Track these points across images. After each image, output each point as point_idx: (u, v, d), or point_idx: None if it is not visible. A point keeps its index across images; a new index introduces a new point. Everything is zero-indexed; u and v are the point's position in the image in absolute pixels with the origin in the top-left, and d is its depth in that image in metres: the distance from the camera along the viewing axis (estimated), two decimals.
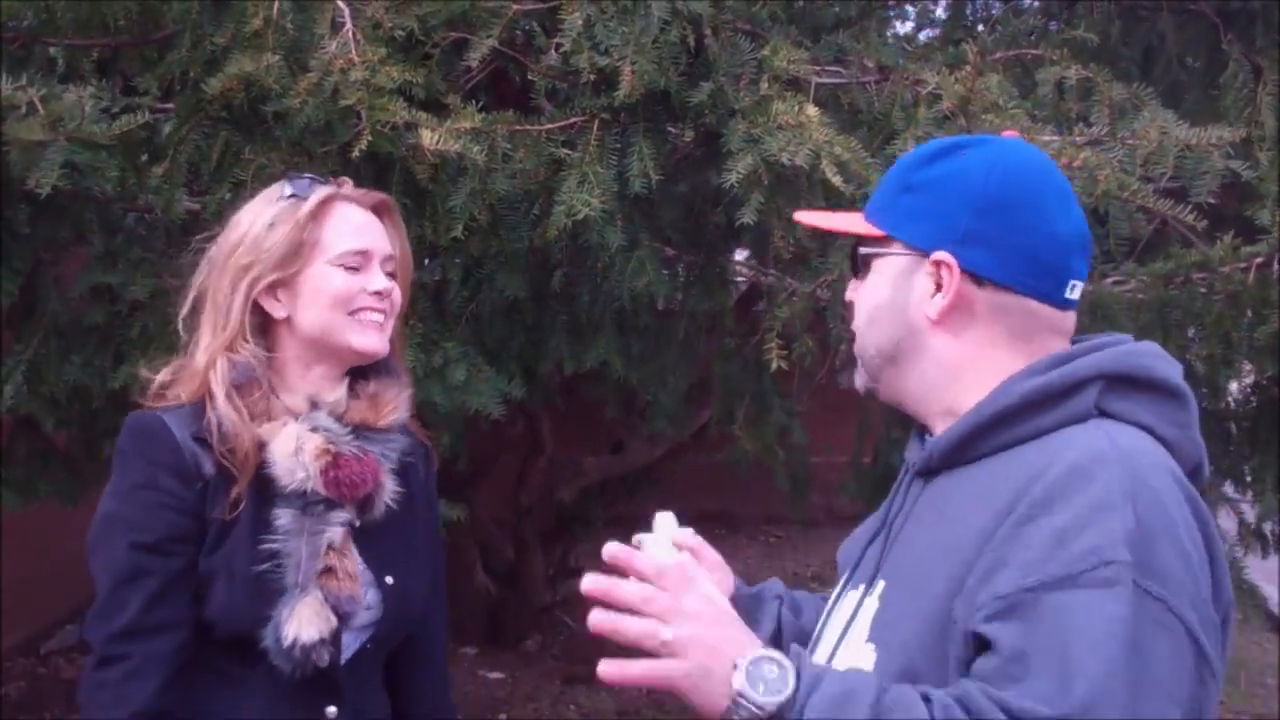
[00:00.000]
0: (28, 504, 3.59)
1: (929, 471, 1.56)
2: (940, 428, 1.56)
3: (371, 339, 2.08)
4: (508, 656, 6.45)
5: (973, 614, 1.33)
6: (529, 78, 3.14)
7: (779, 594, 1.93)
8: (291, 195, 2.08)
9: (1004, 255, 1.50)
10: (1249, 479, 4.53)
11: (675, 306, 4.06)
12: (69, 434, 3.57)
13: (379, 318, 2.09)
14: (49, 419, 3.29)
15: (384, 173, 2.97)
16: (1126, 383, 1.45)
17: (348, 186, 2.14)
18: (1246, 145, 3.04)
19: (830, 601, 1.73)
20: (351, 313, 2.06)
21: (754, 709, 1.31)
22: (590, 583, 1.40)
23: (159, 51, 3.26)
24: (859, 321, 1.63)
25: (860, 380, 1.67)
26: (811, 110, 2.82)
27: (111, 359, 3.11)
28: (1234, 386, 4.47)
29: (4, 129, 2.62)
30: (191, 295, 2.12)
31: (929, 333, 1.54)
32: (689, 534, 1.83)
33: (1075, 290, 1.53)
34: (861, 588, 1.58)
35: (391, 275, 2.13)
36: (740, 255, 4.62)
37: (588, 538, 6.73)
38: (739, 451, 4.27)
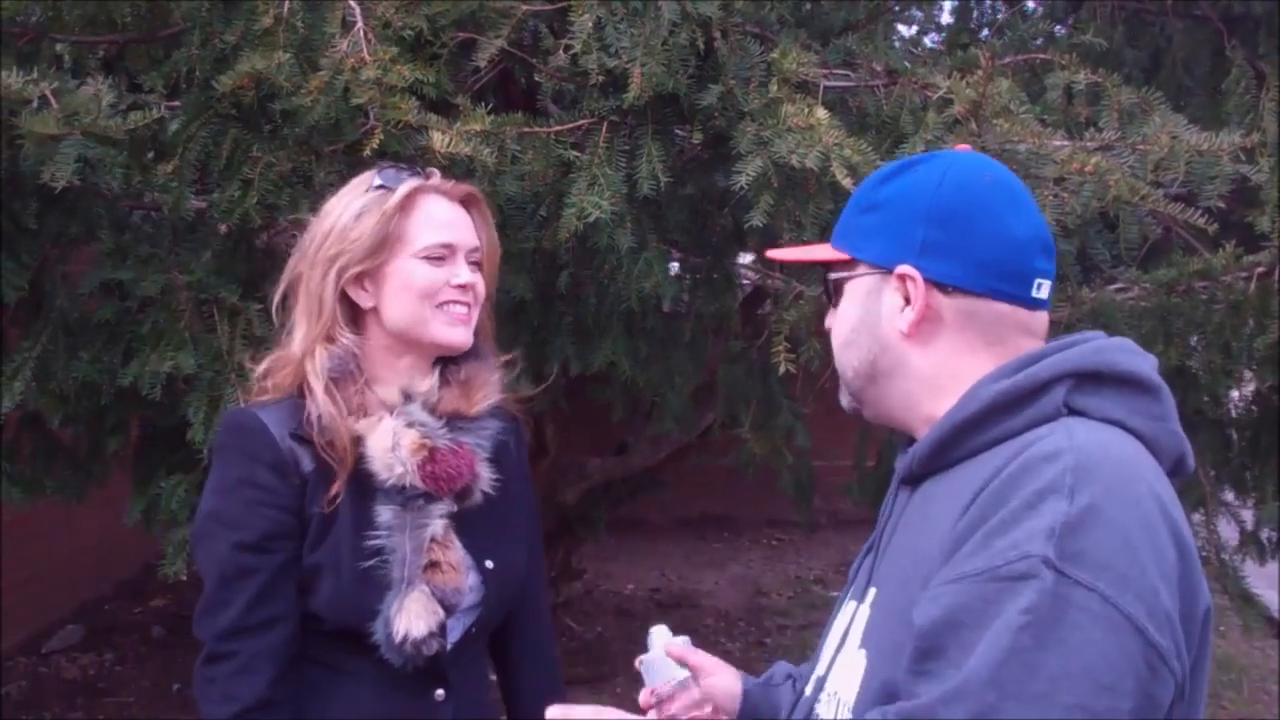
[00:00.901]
0: (33, 501, 3.58)
1: (913, 479, 1.57)
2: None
3: (456, 332, 2.10)
4: None
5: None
6: (536, 79, 3.14)
7: (789, 674, 1.95)
8: (380, 186, 2.09)
9: (965, 261, 1.51)
10: (1250, 487, 4.54)
11: (682, 309, 4.06)
12: (74, 431, 3.56)
13: (463, 310, 2.10)
14: (56, 415, 3.29)
15: None
16: (1094, 379, 1.45)
17: (436, 178, 2.15)
18: (1249, 151, 3.04)
19: (831, 614, 1.74)
20: (436, 306, 2.08)
21: None
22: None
23: (165, 49, 3.27)
24: (835, 345, 1.65)
25: (846, 401, 1.69)
26: (821, 113, 2.82)
27: (120, 356, 3.10)
28: (1235, 395, 4.49)
29: (18, 123, 2.62)
30: (283, 285, 2.15)
31: (902, 347, 1.56)
32: (684, 644, 1.93)
33: (1043, 289, 1.54)
34: (855, 601, 1.60)
35: (477, 266, 2.14)
36: (747, 258, 4.62)
37: (591, 539, 6.74)
38: (746, 454, 4.27)
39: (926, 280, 1.51)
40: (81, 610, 6.86)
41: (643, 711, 1.90)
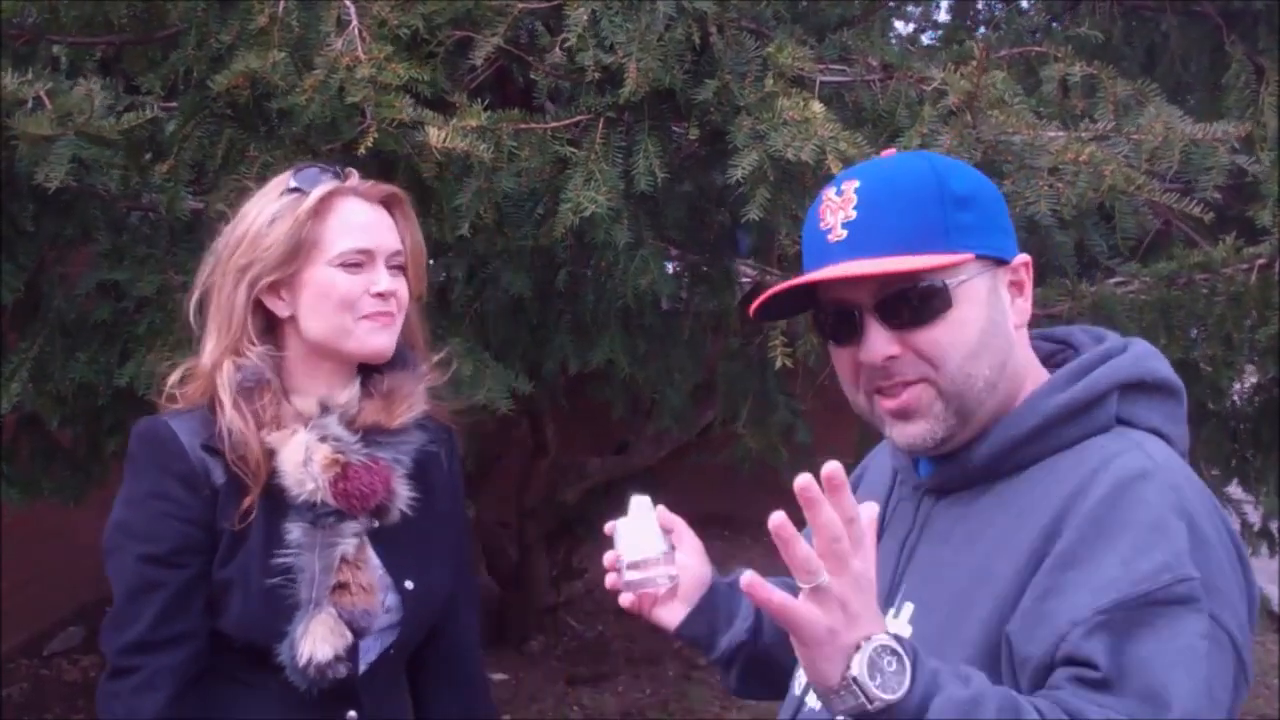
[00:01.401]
0: (32, 502, 3.58)
1: (940, 490, 1.54)
2: (961, 437, 1.50)
3: (377, 341, 2.03)
4: (511, 657, 6.45)
5: (1038, 635, 1.31)
6: (532, 76, 3.14)
7: None
8: (294, 189, 2.01)
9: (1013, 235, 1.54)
10: (1252, 479, 4.54)
11: (680, 306, 4.06)
12: (73, 432, 3.56)
13: (385, 319, 2.03)
14: (54, 416, 3.29)
15: (389, 171, 2.96)
16: (1137, 388, 1.47)
17: (354, 179, 2.08)
18: (1249, 144, 3.04)
19: None
20: (357, 317, 2.00)
21: (863, 699, 1.23)
22: (804, 483, 1.21)
23: (162, 50, 3.26)
24: (957, 359, 1.47)
25: (942, 425, 1.49)
26: (816, 107, 2.81)
27: (117, 356, 3.10)
28: (1236, 387, 4.49)
29: (12, 124, 2.62)
30: (198, 291, 2.08)
31: (1018, 341, 1.52)
32: (663, 512, 1.83)
33: None
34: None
35: (399, 270, 2.07)
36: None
37: (591, 539, 6.73)
38: (743, 450, 4.27)
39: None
40: (82, 612, 6.84)
41: (606, 570, 1.81)
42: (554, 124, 3.06)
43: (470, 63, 3.03)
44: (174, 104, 3.17)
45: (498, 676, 6.21)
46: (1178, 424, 1.50)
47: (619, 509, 1.85)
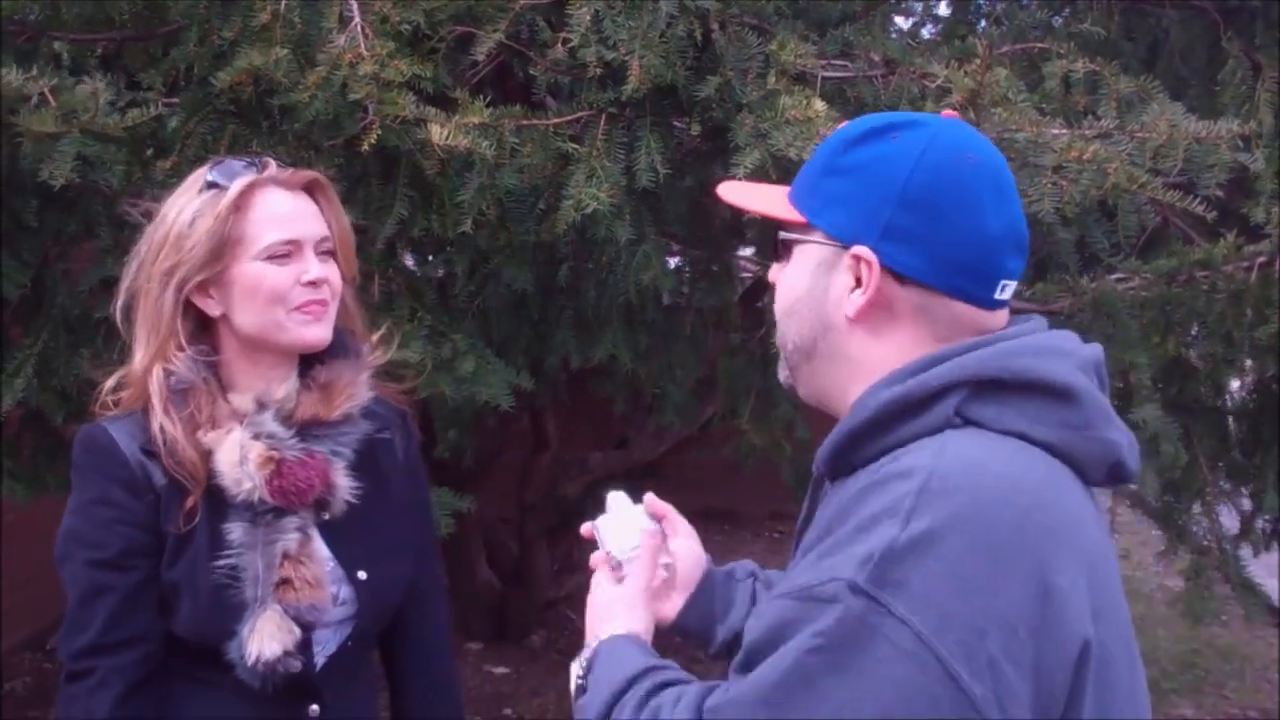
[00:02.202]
0: (35, 497, 3.59)
1: (824, 476, 1.49)
2: None
3: (312, 331, 2.01)
4: (512, 652, 6.46)
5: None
6: (533, 73, 3.14)
7: (752, 572, 1.87)
8: (212, 184, 1.97)
9: (929, 253, 1.37)
10: (1250, 475, 4.54)
11: (682, 301, 4.06)
12: (76, 427, 3.56)
13: (318, 308, 2.00)
14: (58, 412, 3.30)
15: (391, 167, 2.98)
16: (994, 386, 1.33)
17: (272, 169, 2.03)
18: (1247, 140, 3.04)
19: None
20: (289, 309, 1.98)
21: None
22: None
23: (164, 47, 3.26)
24: (779, 311, 1.52)
25: (782, 374, 1.57)
26: (819, 105, 2.82)
27: (121, 352, 3.11)
28: (1235, 385, 4.49)
29: (16, 121, 2.63)
30: (123, 295, 2.05)
31: (845, 331, 1.43)
32: (652, 500, 1.83)
33: (1006, 290, 1.41)
34: None
35: (329, 255, 2.04)
36: (746, 250, 4.62)
37: None
38: (745, 445, 4.28)
39: (883, 267, 1.38)
40: None
41: (592, 569, 1.80)
42: (556, 120, 3.06)
43: (472, 59, 3.03)
44: (176, 100, 3.17)
45: (499, 670, 6.23)
46: (1066, 429, 1.34)
47: (603, 509, 1.84)
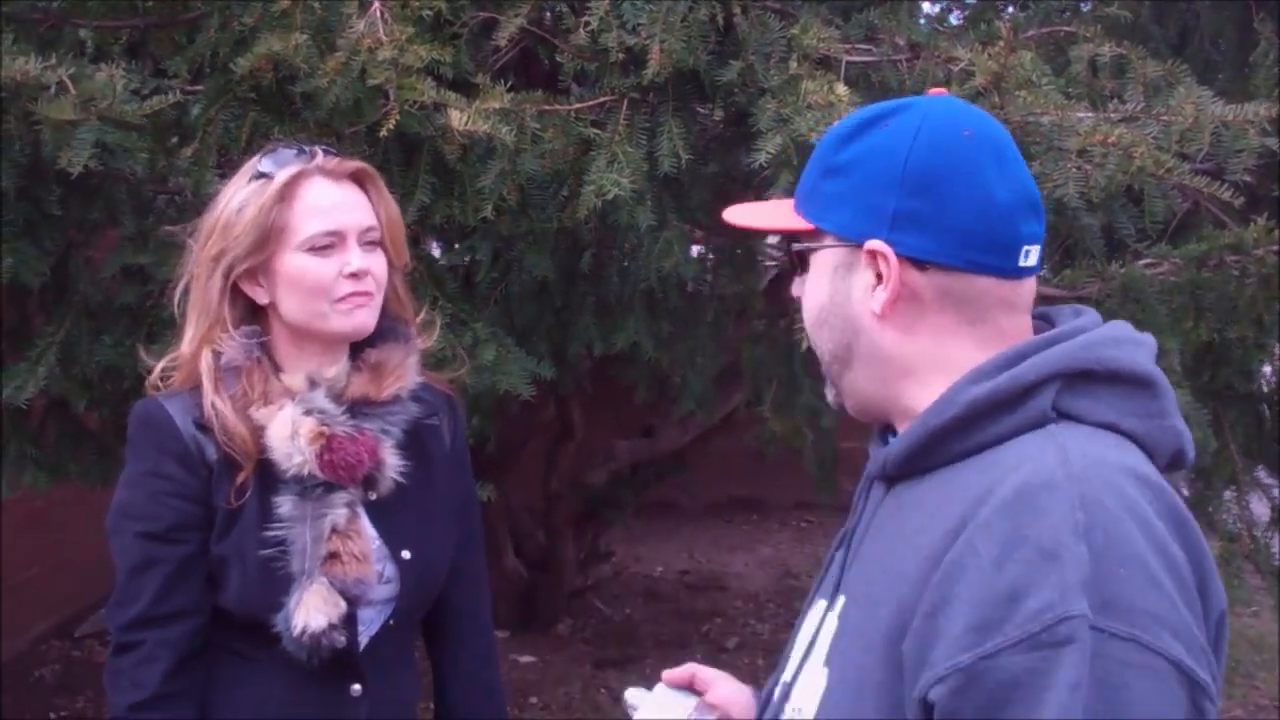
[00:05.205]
0: (56, 483, 3.60)
1: (888, 479, 1.44)
2: (902, 428, 1.42)
3: (355, 321, 2.03)
4: (539, 640, 6.46)
5: (924, 670, 1.24)
6: (558, 59, 3.13)
7: None
8: (261, 174, 2.01)
9: (942, 234, 1.35)
10: None
11: (705, 289, 4.04)
12: (99, 415, 3.58)
13: (362, 299, 2.03)
14: (80, 400, 3.31)
15: (412, 153, 2.97)
16: (1085, 378, 1.32)
17: (319, 158, 2.05)
18: (1277, 123, 3.00)
19: (803, 609, 1.60)
20: (331, 301, 2.01)
21: None
22: None
23: (188, 34, 3.27)
24: (807, 324, 1.49)
25: (830, 395, 1.52)
26: (841, 89, 2.79)
27: (143, 339, 3.11)
28: (1267, 370, 4.44)
29: (35, 108, 2.63)
30: (183, 280, 2.09)
31: (876, 330, 1.40)
32: (670, 673, 1.75)
33: (1031, 256, 1.38)
34: (827, 600, 1.49)
35: (374, 245, 2.06)
36: (771, 238, 4.60)
37: (619, 522, 6.74)
38: (767, 433, 4.26)
39: (900, 256, 1.36)
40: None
41: None
42: (577, 105, 3.05)
43: (494, 44, 3.02)
44: (200, 88, 3.17)
45: (525, 659, 6.23)
46: (1149, 418, 1.34)
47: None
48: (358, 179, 2.08)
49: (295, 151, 2.04)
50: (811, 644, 1.46)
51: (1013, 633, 1.18)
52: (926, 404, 1.37)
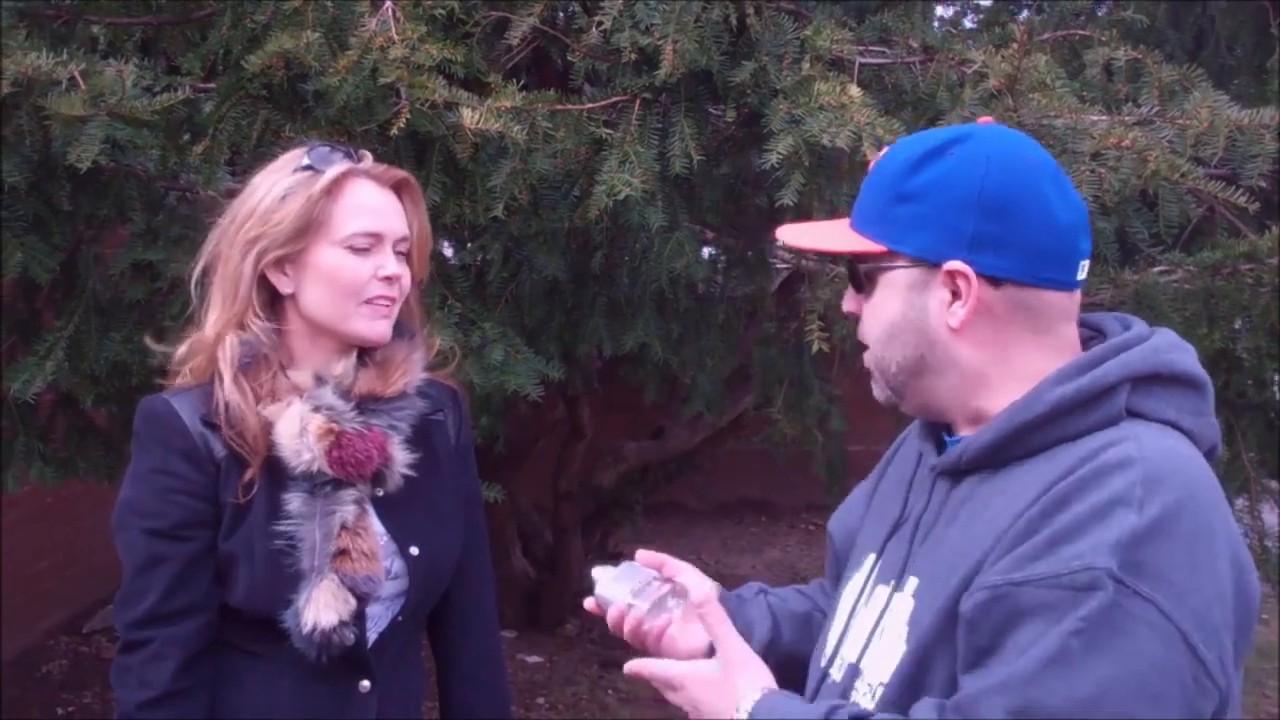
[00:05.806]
0: (65, 479, 3.60)
1: (957, 473, 1.56)
2: (965, 430, 1.57)
3: (376, 328, 2.04)
4: (546, 640, 6.46)
5: (970, 596, 1.41)
6: (571, 59, 3.12)
7: (760, 589, 1.94)
8: (308, 167, 2.01)
9: (1016, 253, 1.48)
10: None
11: (716, 290, 4.03)
12: (107, 411, 3.58)
13: (386, 305, 2.04)
14: (88, 396, 3.30)
15: (424, 151, 2.96)
16: (1151, 380, 1.47)
17: (367, 161, 2.07)
18: None
19: (848, 591, 1.70)
20: (360, 302, 2.02)
21: None
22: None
23: (200, 31, 3.26)
24: (873, 338, 1.61)
25: (882, 394, 1.65)
26: (854, 91, 2.78)
27: (152, 336, 3.11)
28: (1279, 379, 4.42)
29: (45, 104, 2.62)
30: (203, 260, 2.09)
31: (952, 342, 1.53)
32: (643, 554, 1.85)
33: (1084, 269, 1.53)
34: (891, 583, 1.58)
35: (404, 256, 2.08)
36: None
37: (627, 522, 6.74)
38: (777, 434, 4.25)
39: (979, 275, 1.48)
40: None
41: (618, 631, 1.82)
42: (589, 105, 3.04)
43: (506, 43, 3.01)
44: (213, 85, 3.17)
45: (532, 659, 6.23)
46: (1199, 417, 1.50)
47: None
48: (399, 189, 2.10)
49: (342, 152, 2.06)
50: (878, 623, 1.57)
51: (1043, 569, 1.35)
52: (1000, 407, 1.51)
